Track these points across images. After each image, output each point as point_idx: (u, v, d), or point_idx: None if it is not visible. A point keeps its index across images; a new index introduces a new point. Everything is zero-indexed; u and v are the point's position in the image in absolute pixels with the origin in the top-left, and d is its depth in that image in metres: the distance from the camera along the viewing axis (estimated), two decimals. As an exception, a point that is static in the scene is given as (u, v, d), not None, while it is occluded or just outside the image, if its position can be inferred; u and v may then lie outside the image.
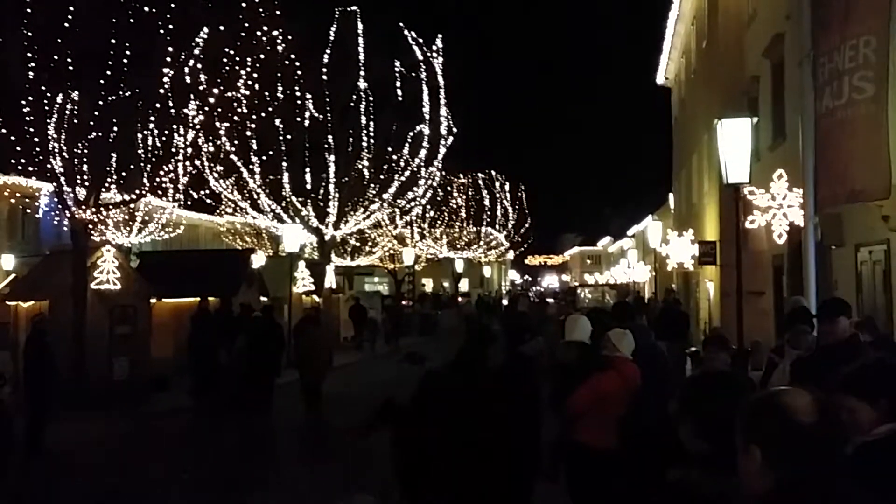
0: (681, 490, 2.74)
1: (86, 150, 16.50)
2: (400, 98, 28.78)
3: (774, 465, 2.20)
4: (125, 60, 15.84)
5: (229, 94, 18.46)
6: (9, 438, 8.50)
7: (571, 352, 7.39)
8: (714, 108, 19.35)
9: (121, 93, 16.22)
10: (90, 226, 16.97)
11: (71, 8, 15.42)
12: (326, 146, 27.45)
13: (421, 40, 29.22)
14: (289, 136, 26.71)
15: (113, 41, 15.68)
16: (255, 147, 25.81)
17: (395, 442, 5.55)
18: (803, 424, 2.16)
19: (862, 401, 3.37)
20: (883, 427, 3.39)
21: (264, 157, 26.27)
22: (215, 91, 17.64)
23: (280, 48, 22.05)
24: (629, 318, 8.95)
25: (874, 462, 3.10)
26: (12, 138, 15.52)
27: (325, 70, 27.10)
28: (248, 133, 23.91)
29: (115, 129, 16.45)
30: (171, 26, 16.29)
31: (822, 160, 9.22)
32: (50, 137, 15.86)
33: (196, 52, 16.88)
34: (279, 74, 24.13)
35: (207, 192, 26.55)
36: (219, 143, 21.73)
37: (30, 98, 15.35)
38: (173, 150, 17.62)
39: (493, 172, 56.79)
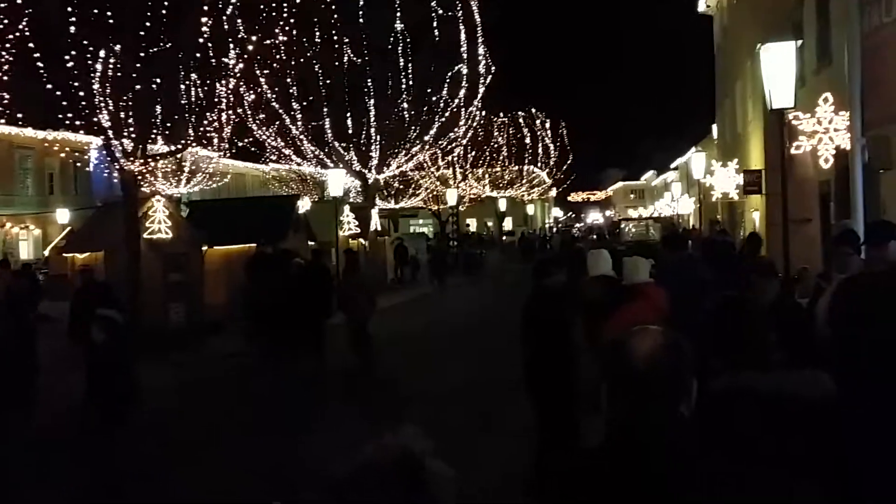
0: (736, 389, 2.80)
1: (131, 103, 16.72)
2: (437, 38, 28.57)
3: None
4: (164, 11, 15.94)
5: (268, 41, 18.51)
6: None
7: (596, 287, 7.45)
8: (757, 33, 18.92)
9: (161, 44, 16.36)
10: (139, 177, 17.27)
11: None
12: (366, 90, 27.45)
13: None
14: (328, 81, 26.75)
15: (150, -8, 15.79)
16: (295, 94, 25.93)
17: None
18: None
19: None
20: None
21: (305, 104, 26.38)
22: (254, 38, 17.70)
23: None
24: (680, 247, 8.98)
25: None
26: (58, 93, 15.78)
27: (361, 13, 26.95)
28: (289, 80, 24.00)
29: (158, 80, 16.61)
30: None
31: (870, 79, 9.08)
32: (95, 92, 16.07)
33: (233, -1, 16.93)
34: (316, 19, 24.08)
35: (251, 140, 26.84)
36: (260, 90, 21.87)
37: (73, 53, 15.53)
38: (216, 99, 17.79)
39: (534, 110, 56.36)
